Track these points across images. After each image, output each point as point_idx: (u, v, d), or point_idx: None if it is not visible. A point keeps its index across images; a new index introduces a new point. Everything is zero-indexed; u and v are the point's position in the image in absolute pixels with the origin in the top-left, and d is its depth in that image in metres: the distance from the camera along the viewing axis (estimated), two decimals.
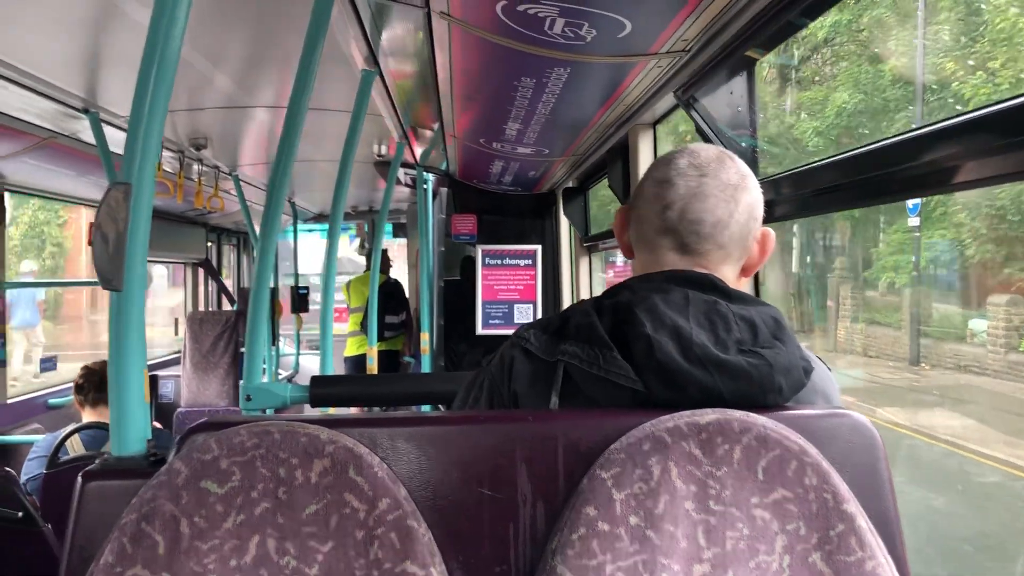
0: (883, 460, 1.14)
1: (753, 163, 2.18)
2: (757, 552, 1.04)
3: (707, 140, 2.22)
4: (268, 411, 2.45)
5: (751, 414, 1.08)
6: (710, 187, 1.26)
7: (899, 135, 1.52)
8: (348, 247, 10.44)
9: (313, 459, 1.04)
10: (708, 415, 1.07)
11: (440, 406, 3.41)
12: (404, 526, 1.03)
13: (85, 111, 3.36)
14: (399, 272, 8.97)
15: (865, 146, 1.63)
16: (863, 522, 1.04)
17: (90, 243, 1.15)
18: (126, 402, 1.22)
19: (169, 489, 1.02)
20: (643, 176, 1.34)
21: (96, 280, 1.17)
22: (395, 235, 9.68)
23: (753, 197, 1.29)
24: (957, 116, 1.34)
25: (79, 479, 1.10)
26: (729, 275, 1.30)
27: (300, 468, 1.04)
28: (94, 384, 3.66)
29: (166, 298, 11.41)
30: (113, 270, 1.12)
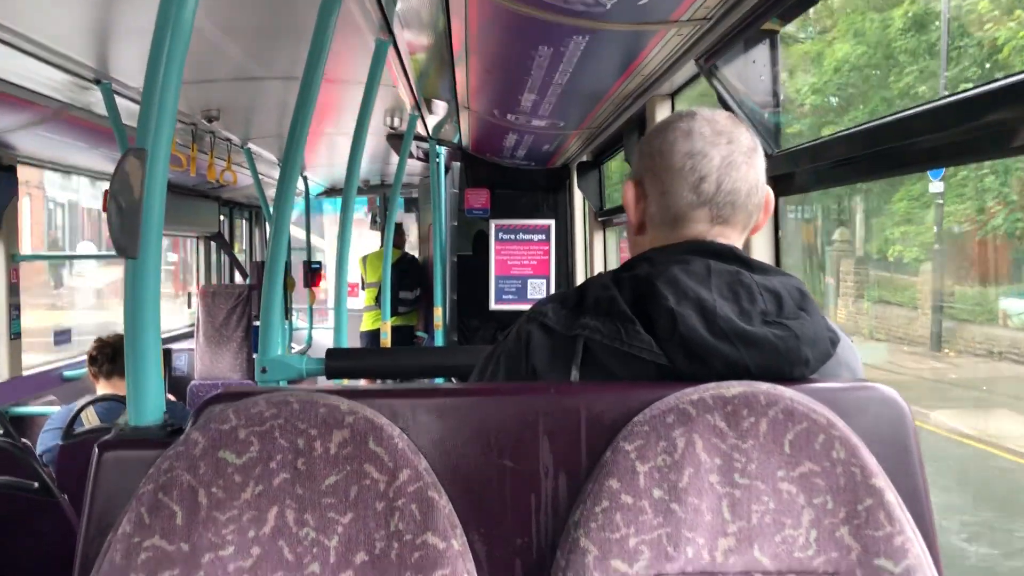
0: (912, 433, 1.12)
1: (776, 134, 2.14)
2: (783, 526, 1.02)
3: (729, 110, 2.18)
4: (282, 383, 2.45)
5: (777, 387, 1.06)
6: (738, 154, 1.24)
7: (917, 106, 1.49)
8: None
9: (333, 429, 1.03)
10: (734, 387, 1.06)
11: (454, 379, 3.42)
12: (425, 497, 1.02)
13: (97, 82, 3.34)
14: (409, 247, 8.95)
15: (884, 118, 1.61)
16: (891, 496, 1.02)
17: (105, 210, 1.13)
18: (143, 372, 1.21)
19: (187, 459, 1.00)
20: (655, 146, 1.28)
21: (111, 252, 1.15)
22: (407, 210, 9.66)
23: (762, 159, 1.29)
24: (974, 89, 1.31)
25: (95, 449, 1.09)
26: (739, 240, 1.28)
27: (319, 439, 1.02)
28: (107, 356, 3.67)
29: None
30: (128, 238, 1.11)
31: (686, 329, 1.11)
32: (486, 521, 1.08)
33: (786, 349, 1.12)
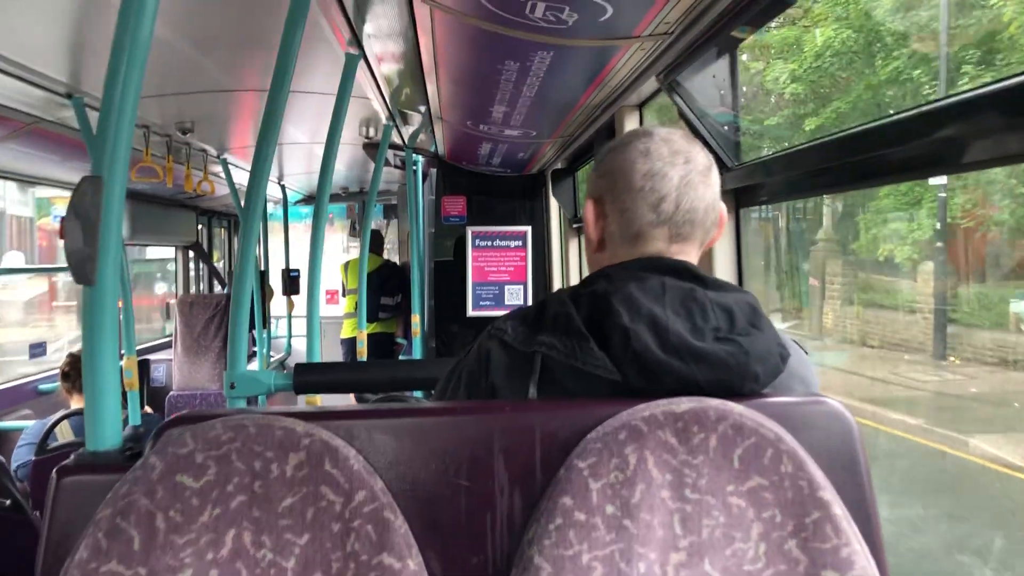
0: (860, 447, 1.14)
1: (736, 145, 2.17)
2: (733, 540, 1.04)
3: (689, 124, 2.21)
4: (261, 399, 2.45)
5: (727, 402, 1.08)
6: (696, 173, 1.26)
7: (878, 120, 1.52)
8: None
9: (289, 452, 1.04)
10: (684, 404, 1.08)
11: (432, 393, 3.41)
12: (380, 518, 1.04)
13: (69, 96, 3.34)
14: (389, 254, 8.94)
15: (851, 128, 1.63)
16: (838, 509, 1.05)
17: (61, 236, 1.14)
18: (100, 396, 1.22)
19: (144, 484, 1.01)
20: (610, 165, 1.30)
21: (58, 266, 1.16)
22: (385, 216, 9.65)
23: (717, 176, 1.31)
24: (949, 97, 1.33)
25: (54, 475, 1.10)
26: (695, 256, 1.31)
27: (276, 461, 1.04)
28: (79, 371, 3.66)
29: None
30: (86, 264, 1.12)
31: (639, 346, 1.13)
32: (442, 541, 1.09)
33: (736, 365, 1.14)
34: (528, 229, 5.62)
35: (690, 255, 1.29)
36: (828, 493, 1.05)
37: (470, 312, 5.63)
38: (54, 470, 1.10)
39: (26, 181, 5.11)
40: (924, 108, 1.39)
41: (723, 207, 1.32)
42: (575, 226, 5.00)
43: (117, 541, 0.99)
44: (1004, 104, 1.19)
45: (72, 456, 1.17)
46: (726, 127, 2.17)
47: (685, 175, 1.25)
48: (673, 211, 1.26)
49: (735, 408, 1.08)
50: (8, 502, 2.54)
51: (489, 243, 5.63)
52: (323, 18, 2.42)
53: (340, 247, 10.08)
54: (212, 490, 1.02)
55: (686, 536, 1.04)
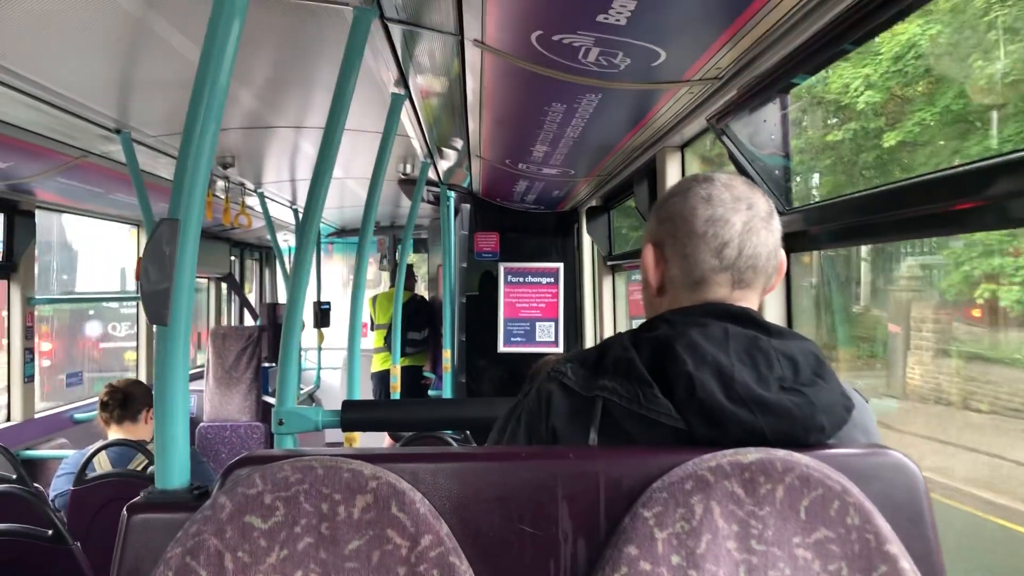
0: (926, 500, 1.13)
1: (787, 189, 2.17)
2: None
3: (740, 167, 2.21)
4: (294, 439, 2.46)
5: (794, 453, 1.07)
6: (757, 219, 1.27)
7: (935, 172, 1.52)
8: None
9: (356, 494, 1.05)
10: (751, 454, 1.07)
11: (467, 432, 3.40)
12: (446, 563, 1.04)
13: (117, 131, 3.40)
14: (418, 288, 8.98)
15: (904, 181, 1.63)
16: (906, 563, 1.03)
17: (138, 278, 1.16)
18: (171, 436, 1.24)
19: (214, 523, 1.02)
20: (671, 211, 1.31)
21: (130, 295, 1.18)
22: (415, 250, 9.70)
23: (778, 223, 1.31)
24: (998, 156, 1.34)
25: (124, 512, 1.11)
26: (755, 303, 1.30)
27: (343, 503, 1.04)
28: (118, 401, 3.68)
29: None
30: (160, 304, 1.14)
31: (704, 394, 1.13)
32: None
33: (802, 416, 1.13)
34: (560, 266, 5.62)
35: (751, 302, 1.29)
36: (895, 547, 1.04)
37: (501, 348, 5.62)
38: (125, 507, 1.11)
39: (71, 212, 5.19)
40: (975, 165, 1.40)
41: (783, 254, 1.32)
42: (610, 264, 5.00)
43: None
44: None
45: (141, 494, 1.18)
46: (777, 171, 2.17)
47: (748, 221, 1.26)
48: (736, 257, 1.26)
49: (801, 459, 1.07)
50: (50, 532, 2.55)
51: (521, 279, 5.64)
52: (371, 58, 2.46)
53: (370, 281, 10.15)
54: (280, 531, 1.03)
55: None
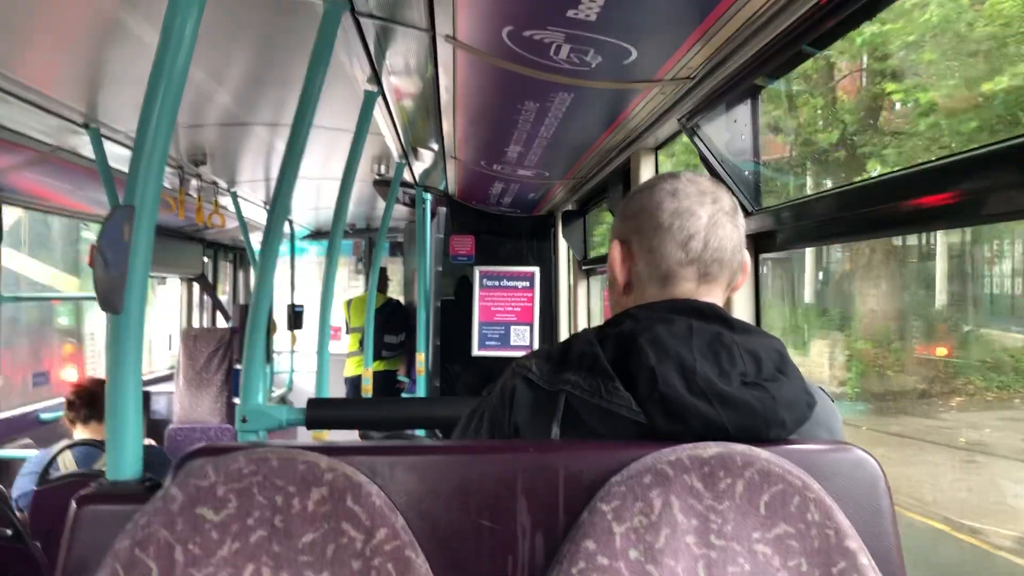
0: (886, 496, 1.13)
1: (756, 190, 2.17)
2: None
3: (710, 167, 2.22)
4: (261, 433, 2.43)
5: (754, 448, 1.07)
6: (723, 214, 1.27)
7: (905, 168, 1.53)
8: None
9: (311, 487, 1.03)
10: (711, 448, 1.06)
11: (437, 432, 3.39)
12: (402, 556, 1.02)
13: (86, 126, 3.36)
14: (393, 291, 8.93)
15: (872, 179, 1.63)
16: (865, 559, 1.03)
17: (91, 264, 1.14)
18: (123, 427, 1.21)
19: (164, 515, 1.00)
20: (637, 206, 1.31)
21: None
22: (391, 254, 9.66)
23: (743, 220, 1.32)
24: (968, 151, 1.34)
25: (73, 503, 1.09)
26: (721, 300, 1.30)
27: (298, 496, 1.02)
28: (85, 401, 3.63)
29: None
30: (114, 292, 1.11)
31: (666, 388, 1.12)
32: None
33: (763, 410, 1.13)
34: (536, 270, 5.62)
35: (717, 297, 1.29)
36: (854, 542, 1.04)
37: (475, 352, 5.60)
38: (73, 498, 1.09)
39: (39, 209, 5.12)
40: (944, 161, 1.40)
41: (747, 254, 1.33)
42: (584, 268, 5.00)
43: (135, 572, 0.97)
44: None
45: (91, 485, 1.15)
46: (747, 172, 2.18)
47: (713, 214, 1.26)
48: (702, 249, 1.26)
49: (762, 454, 1.06)
50: (9, 532, 2.51)
51: (497, 283, 5.62)
52: (344, 54, 2.44)
53: (343, 284, 10.09)
54: (232, 523, 1.01)
55: None
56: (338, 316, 8.28)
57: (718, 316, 1.23)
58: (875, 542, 1.08)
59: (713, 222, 1.26)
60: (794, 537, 1.04)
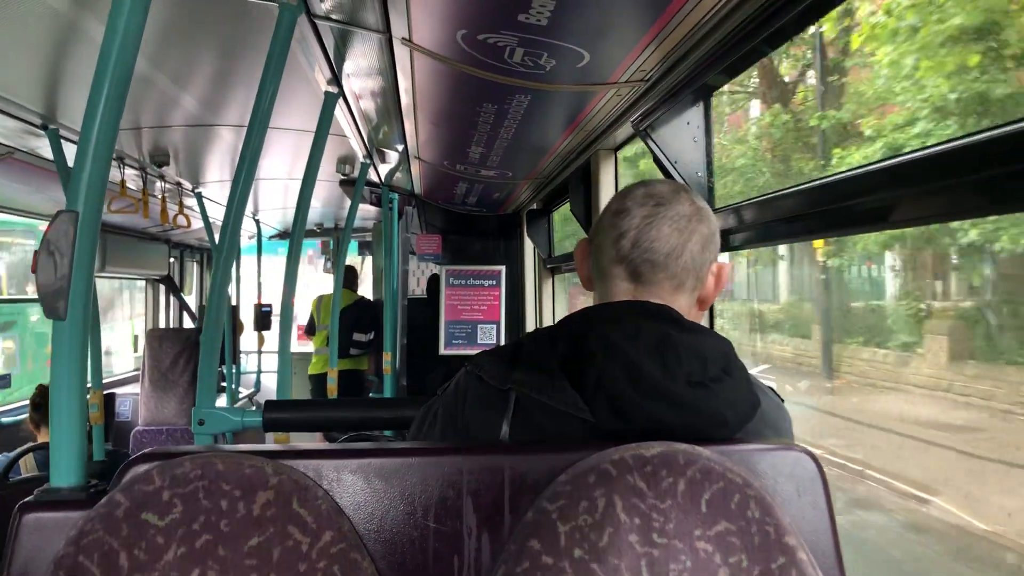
0: (826, 494, 1.15)
1: (708, 192, 2.20)
2: None
3: (663, 169, 2.23)
4: (228, 436, 2.42)
5: (696, 447, 1.09)
6: (664, 217, 1.27)
7: (859, 167, 1.54)
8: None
9: (257, 491, 1.03)
10: (653, 448, 1.08)
11: (405, 433, 3.38)
12: (348, 559, 1.03)
13: (44, 127, 3.33)
14: (364, 290, 8.90)
15: (826, 177, 1.66)
16: (804, 555, 1.05)
17: (34, 270, 1.14)
18: (66, 431, 1.21)
19: (108, 521, 1.00)
20: (604, 208, 1.35)
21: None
22: (360, 252, 9.63)
23: (708, 229, 1.31)
24: (913, 152, 1.36)
25: (16, 511, 1.08)
26: (683, 306, 1.31)
27: (243, 500, 1.03)
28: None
29: None
30: (56, 298, 1.11)
31: (611, 386, 1.14)
32: None
33: (707, 409, 1.15)
34: (503, 269, 5.63)
35: (673, 302, 1.29)
36: (794, 539, 1.06)
37: (442, 350, 5.60)
38: (16, 506, 1.09)
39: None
40: (890, 162, 1.42)
41: (722, 264, 1.33)
42: (549, 267, 5.02)
43: None
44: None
45: (35, 492, 1.15)
46: (699, 173, 2.20)
47: (649, 215, 1.27)
48: (630, 248, 1.27)
49: (703, 453, 1.08)
50: None
51: (463, 282, 5.63)
52: (303, 56, 2.44)
53: (312, 282, 10.04)
54: (178, 528, 1.01)
55: None
56: (302, 315, 8.25)
57: (668, 317, 1.24)
58: (814, 538, 1.11)
59: (647, 223, 1.27)
60: (735, 534, 1.05)
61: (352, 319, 7.29)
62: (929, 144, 1.35)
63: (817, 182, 1.68)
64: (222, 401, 6.27)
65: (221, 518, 1.02)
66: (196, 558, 1.00)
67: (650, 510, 1.05)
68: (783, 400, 1.35)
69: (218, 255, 2.20)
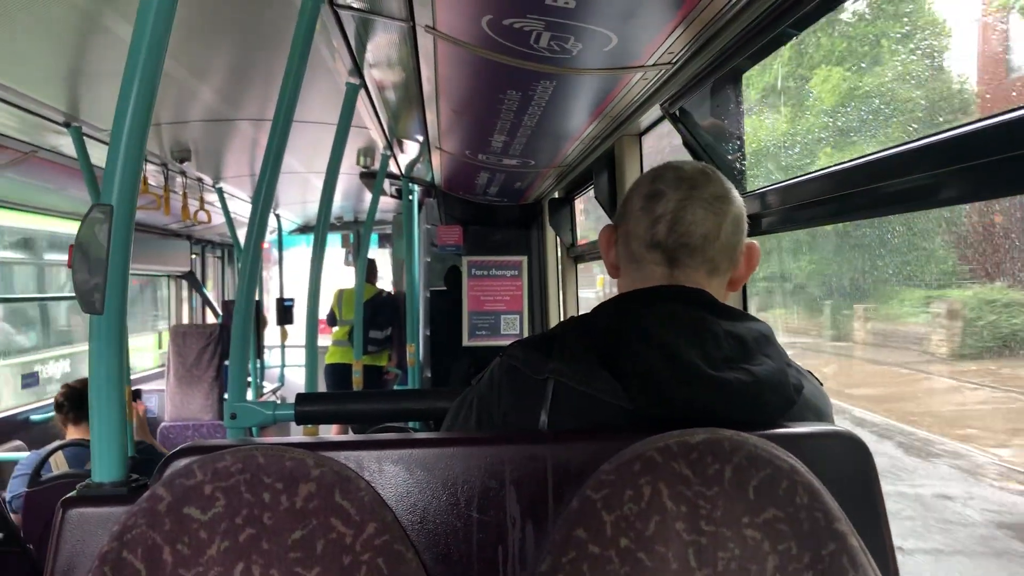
0: (875, 477, 1.13)
1: (740, 176, 2.17)
2: (749, 572, 1.02)
3: (694, 153, 2.21)
4: (254, 430, 2.43)
5: (741, 433, 1.07)
6: (697, 200, 1.25)
7: (886, 149, 1.51)
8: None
9: (299, 483, 1.02)
10: (698, 434, 1.06)
11: (431, 423, 3.38)
12: (391, 550, 1.02)
13: (67, 125, 3.34)
14: (383, 283, 8.89)
15: (854, 160, 1.62)
16: (855, 541, 1.03)
17: (70, 265, 1.13)
18: (106, 427, 1.20)
19: (151, 516, 0.99)
20: (628, 193, 1.33)
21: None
22: (380, 245, 9.63)
23: (738, 209, 1.29)
24: (943, 132, 1.33)
25: (59, 506, 1.08)
26: (717, 289, 1.29)
27: (285, 493, 1.02)
28: (74, 402, 3.63)
29: None
30: (93, 294, 1.10)
31: (650, 373, 1.12)
32: (453, 573, 1.07)
33: (748, 393, 1.13)
34: (524, 259, 5.61)
35: (709, 286, 1.27)
36: (844, 525, 1.03)
37: (466, 342, 5.59)
38: (59, 502, 1.08)
39: (23, 209, 5.09)
40: (923, 142, 1.38)
41: (754, 244, 1.31)
42: (572, 256, 5.00)
43: (123, 575, 0.97)
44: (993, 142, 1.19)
45: (77, 488, 1.15)
46: (730, 156, 2.17)
47: (684, 199, 1.25)
48: (666, 233, 1.25)
49: (749, 439, 1.06)
50: (2, 535, 2.50)
51: (485, 272, 5.62)
52: (325, 48, 2.43)
53: (337, 275, 10.06)
54: (220, 522, 1.00)
55: (701, 568, 1.02)
56: (324, 308, 8.24)
57: (702, 301, 1.22)
58: (865, 523, 1.09)
59: (682, 206, 1.25)
60: (783, 521, 1.03)
61: (367, 316, 7.27)
62: (958, 123, 1.31)
63: (852, 163, 1.65)
64: (247, 396, 6.28)
65: (264, 511, 1.01)
66: (240, 552, 0.99)
67: (697, 497, 1.04)
68: (822, 384, 1.32)
69: (245, 251, 2.20)
